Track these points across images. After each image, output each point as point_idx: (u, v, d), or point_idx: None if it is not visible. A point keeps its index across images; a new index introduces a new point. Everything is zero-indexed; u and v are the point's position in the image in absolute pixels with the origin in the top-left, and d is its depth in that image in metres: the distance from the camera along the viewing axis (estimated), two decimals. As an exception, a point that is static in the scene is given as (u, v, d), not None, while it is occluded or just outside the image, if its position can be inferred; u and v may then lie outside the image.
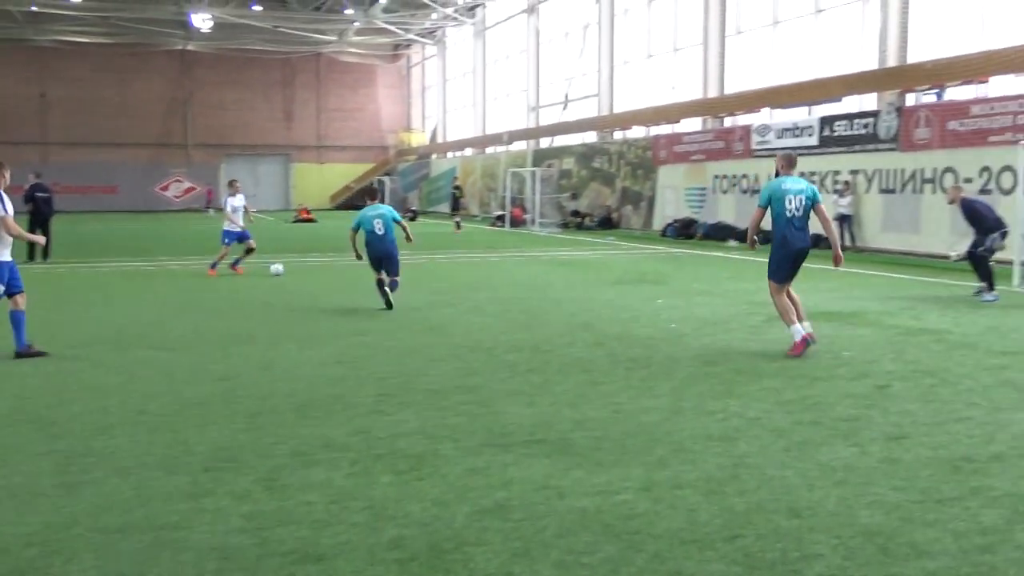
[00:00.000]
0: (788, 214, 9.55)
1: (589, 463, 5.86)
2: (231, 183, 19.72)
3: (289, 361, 9.43)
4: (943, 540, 4.56)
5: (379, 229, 13.46)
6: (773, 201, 9.62)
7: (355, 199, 61.55)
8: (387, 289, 13.31)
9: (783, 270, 9.66)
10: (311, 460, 5.99)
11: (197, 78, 62.65)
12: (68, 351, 10.05)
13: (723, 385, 8.12)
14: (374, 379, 8.47)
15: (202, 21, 51.25)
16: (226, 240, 18.62)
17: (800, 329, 9.48)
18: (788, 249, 9.61)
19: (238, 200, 18.84)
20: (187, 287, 16.67)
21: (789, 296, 9.68)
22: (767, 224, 9.99)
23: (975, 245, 14.48)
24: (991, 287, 14.10)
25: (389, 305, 13.15)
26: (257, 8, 51.97)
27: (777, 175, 10.06)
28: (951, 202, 15.51)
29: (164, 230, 37.76)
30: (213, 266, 18.48)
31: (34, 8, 49.98)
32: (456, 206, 38.53)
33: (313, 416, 7.13)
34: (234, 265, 18.81)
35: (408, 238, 14.22)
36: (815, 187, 9.89)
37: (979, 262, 14.35)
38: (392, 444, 6.36)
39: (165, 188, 63.14)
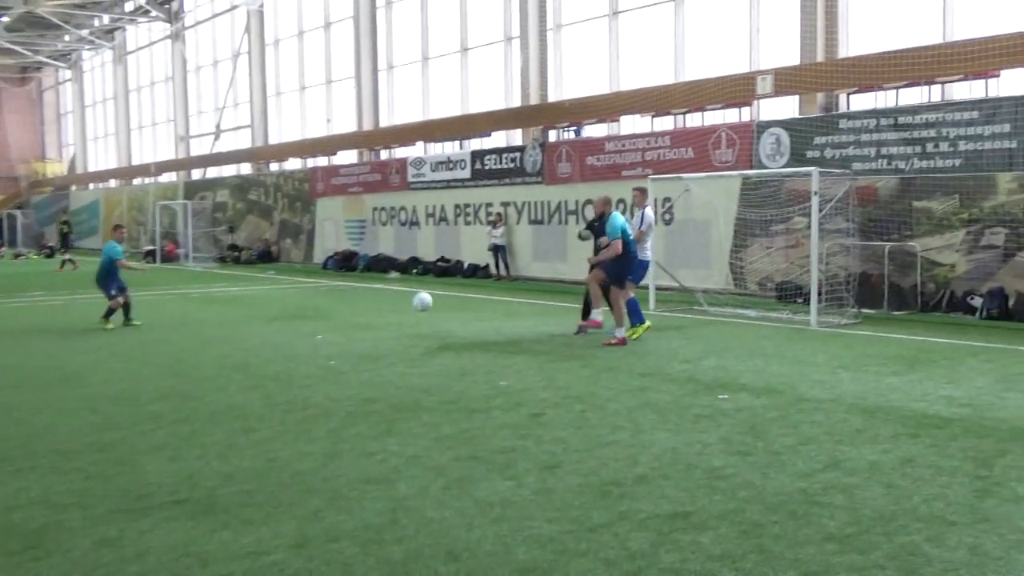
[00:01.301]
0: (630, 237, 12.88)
1: (237, 522, 5.40)
2: None
3: None
4: (595, 570, 4.61)
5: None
6: (624, 232, 12.70)
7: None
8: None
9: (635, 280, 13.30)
10: (-101, 549, 5.05)
11: None
12: None
13: (383, 423, 7.93)
14: (-12, 442, 7.42)
15: None
16: None
17: (623, 332, 12.54)
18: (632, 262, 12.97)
19: None
20: None
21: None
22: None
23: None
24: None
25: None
26: None
27: (602, 217, 13.08)
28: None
29: None
30: None
31: None
32: (66, 242, 35.81)
33: (-94, 494, 6.07)
34: None
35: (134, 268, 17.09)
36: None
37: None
38: (6, 519, 5.52)
39: None
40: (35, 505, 5.78)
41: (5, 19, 45.56)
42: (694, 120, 21.98)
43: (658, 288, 17.39)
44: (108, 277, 15.42)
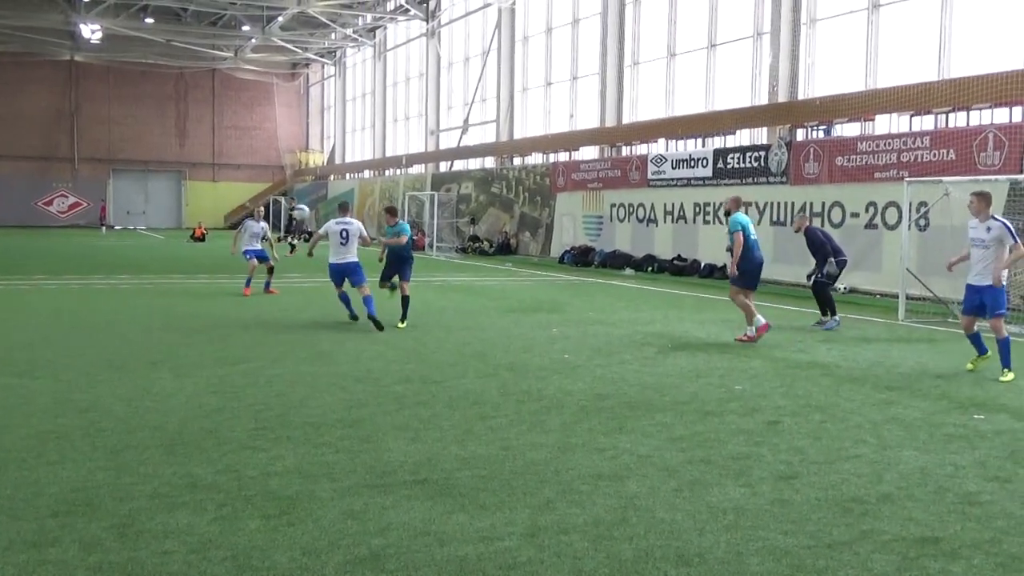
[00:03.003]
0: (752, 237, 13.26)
1: (473, 506, 5.56)
2: (256, 211, 20.62)
3: (162, 390, 8.90)
4: (834, 589, 4.41)
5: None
6: (745, 228, 13.12)
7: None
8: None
9: None
10: (174, 503, 5.54)
11: (85, 90, 60.59)
12: (-82, 378, 9.33)
13: (614, 420, 7.93)
14: (251, 411, 8.02)
15: (91, 32, 49.56)
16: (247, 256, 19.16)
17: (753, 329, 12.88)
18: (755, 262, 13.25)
19: (258, 227, 19.40)
20: (65, 307, 15.82)
21: None
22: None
23: (812, 274, 15.20)
24: (832, 313, 14.68)
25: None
26: (150, 21, 50.56)
27: (728, 214, 13.65)
28: (797, 230, 15.99)
29: (48, 246, 36.16)
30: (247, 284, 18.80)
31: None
32: (291, 228, 38.34)
33: (181, 453, 6.66)
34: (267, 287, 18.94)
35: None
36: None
37: (819, 289, 14.94)
38: (264, 484, 5.95)
39: (49, 203, 60.75)
40: (290, 473, 6.19)
41: (280, 19, 49.12)
42: (957, 120, 20.57)
43: (909, 298, 16.44)
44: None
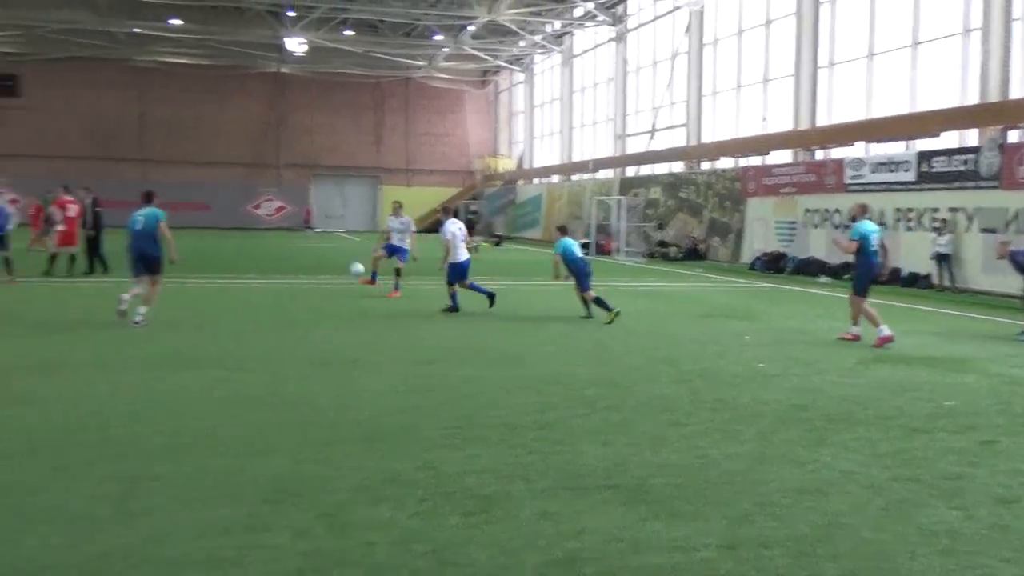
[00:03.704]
0: (872, 247, 13.48)
1: (667, 513, 5.48)
2: (395, 205, 20.04)
3: (361, 387, 9.24)
4: (1065, 625, 4.09)
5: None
6: (863, 238, 13.40)
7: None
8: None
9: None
10: (376, 496, 5.73)
11: (290, 100, 63.80)
12: (145, 369, 10.05)
13: (814, 432, 7.65)
14: (445, 410, 8.21)
15: (297, 45, 52.17)
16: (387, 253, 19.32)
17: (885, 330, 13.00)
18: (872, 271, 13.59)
19: (396, 222, 19.16)
20: (272, 305, 16.70)
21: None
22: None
23: None
24: None
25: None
26: (349, 33, 52.78)
27: (854, 220, 14.01)
28: (1000, 258, 15.27)
29: (258, 247, 38.30)
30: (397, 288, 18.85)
31: (136, 30, 51.52)
32: (471, 230, 38.82)
33: (381, 448, 6.89)
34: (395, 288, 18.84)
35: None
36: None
37: None
38: (461, 482, 6.07)
39: (256, 207, 64.31)
40: (486, 472, 6.29)
41: (471, 28, 50.23)
42: None
43: None
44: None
